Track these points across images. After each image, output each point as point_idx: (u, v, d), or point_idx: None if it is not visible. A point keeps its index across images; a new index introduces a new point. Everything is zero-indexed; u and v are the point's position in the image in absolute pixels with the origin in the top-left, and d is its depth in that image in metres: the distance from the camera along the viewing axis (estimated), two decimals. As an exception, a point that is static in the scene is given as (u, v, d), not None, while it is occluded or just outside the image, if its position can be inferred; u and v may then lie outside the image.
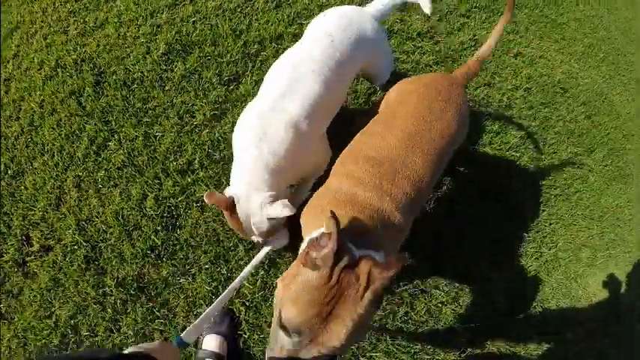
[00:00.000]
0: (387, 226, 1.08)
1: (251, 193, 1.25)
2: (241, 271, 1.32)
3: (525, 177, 2.05)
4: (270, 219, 1.26)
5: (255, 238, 1.36)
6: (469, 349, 1.66)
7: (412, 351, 1.60)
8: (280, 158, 1.26)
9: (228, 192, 1.28)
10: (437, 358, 1.62)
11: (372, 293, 0.81)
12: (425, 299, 1.69)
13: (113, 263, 1.57)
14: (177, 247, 1.61)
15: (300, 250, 1.04)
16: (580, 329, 1.87)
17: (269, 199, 1.25)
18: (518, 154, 2.05)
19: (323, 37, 1.37)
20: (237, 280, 1.27)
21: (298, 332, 0.81)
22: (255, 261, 1.34)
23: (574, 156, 2.18)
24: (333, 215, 0.84)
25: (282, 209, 1.21)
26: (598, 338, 1.89)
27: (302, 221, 1.20)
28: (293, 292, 0.84)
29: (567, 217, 2.07)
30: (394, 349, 1.58)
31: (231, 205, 1.25)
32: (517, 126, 2.09)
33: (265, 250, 1.37)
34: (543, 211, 2.02)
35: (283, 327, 0.83)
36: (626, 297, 2.05)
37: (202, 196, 1.68)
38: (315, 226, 1.07)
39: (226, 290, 1.22)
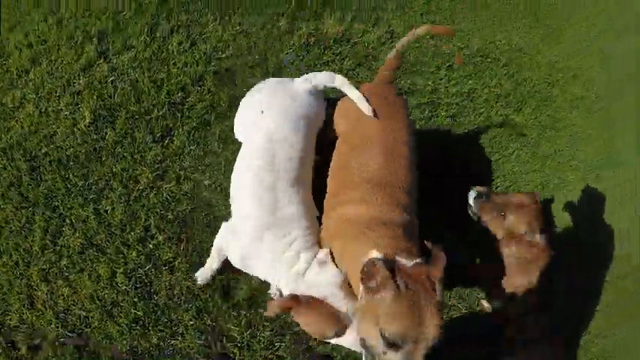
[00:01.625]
0: (407, 228, 1.30)
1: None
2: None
3: (463, 151, 2.19)
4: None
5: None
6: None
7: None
8: None
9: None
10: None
11: (439, 283, 1.06)
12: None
13: (103, 344, 1.64)
14: (159, 312, 1.68)
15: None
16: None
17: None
18: (452, 133, 2.17)
19: (267, 145, 1.47)
20: None
21: (407, 339, 1.00)
22: None
23: (505, 118, 2.33)
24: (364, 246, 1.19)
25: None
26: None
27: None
28: (380, 315, 1.03)
29: (510, 176, 2.23)
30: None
31: (298, 301, 1.34)
32: (446, 106, 2.20)
33: None
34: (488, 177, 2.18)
35: (390, 344, 1.01)
36: (582, 230, 2.25)
37: (169, 258, 1.74)
38: (352, 259, 1.26)
39: None
